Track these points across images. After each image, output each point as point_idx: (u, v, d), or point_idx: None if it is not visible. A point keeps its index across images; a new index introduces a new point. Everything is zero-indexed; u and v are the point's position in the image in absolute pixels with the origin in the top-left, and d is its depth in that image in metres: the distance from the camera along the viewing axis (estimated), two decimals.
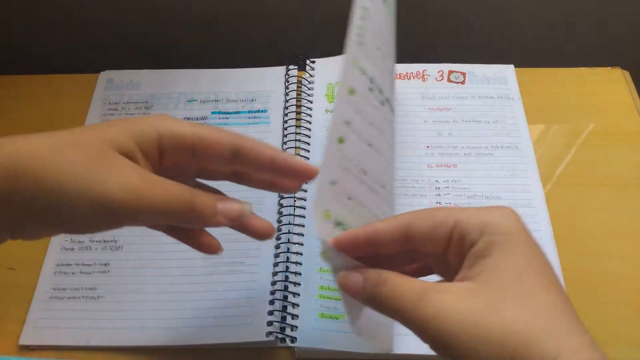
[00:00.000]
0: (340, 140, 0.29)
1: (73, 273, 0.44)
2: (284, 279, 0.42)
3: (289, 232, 0.45)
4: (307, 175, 0.30)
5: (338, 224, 0.28)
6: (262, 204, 0.47)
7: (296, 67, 0.56)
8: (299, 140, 0.51)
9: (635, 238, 0.46)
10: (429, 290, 0.23)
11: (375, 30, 0.34)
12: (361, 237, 0.26)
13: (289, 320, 0.41)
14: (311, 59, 0.56)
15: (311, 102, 0.53)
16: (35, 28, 0.63)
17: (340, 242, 0.26)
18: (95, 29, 0.63)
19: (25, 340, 0.41)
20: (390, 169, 0.35)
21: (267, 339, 0.40)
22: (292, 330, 0.40)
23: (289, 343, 0.40)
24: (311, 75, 0.55)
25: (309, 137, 0.51)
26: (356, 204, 0.29)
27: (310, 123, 0.52)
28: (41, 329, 0.41)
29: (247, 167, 0.29)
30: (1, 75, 0.59)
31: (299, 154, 0.50)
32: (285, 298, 0.42)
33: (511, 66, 0.55)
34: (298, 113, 0.53)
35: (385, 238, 0.26)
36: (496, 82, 0.54)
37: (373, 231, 0.26)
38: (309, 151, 0.50)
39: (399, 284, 0.24)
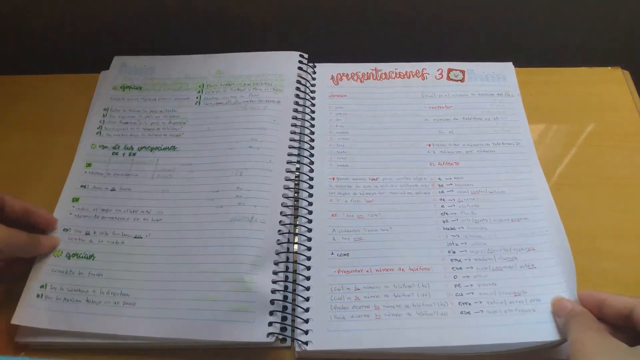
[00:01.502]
0: (75, 200, 0.47)
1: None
2: (284, 279, 0.42)
3: (289, 233, 0.45)
4: (51, 222, 0.46)
5: (72, 255, 0.44)
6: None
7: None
8: (305, 120, 0.52)
9: (636, 238, 0.46)
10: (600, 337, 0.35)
11: (128, 112, 0.53)
12: (595, 297, 0.38)
13: (288, 321, 0.41)
14: (313, 63, 0.57)
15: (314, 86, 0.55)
16: (35, 28, 0.63)
17: (582, 293, 0.39)
18: (95, 29, 0.64)
19: (25, 340, 0.41)
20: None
21: (267, 339, 0.40)
22: (292, 331, 0.40)
23: (289, 343, 0.40)
24: (313, 72, 0.56)
25: (314, 118, 0.53)
26: (98, 234, 0.45)
27: (313, 114, 0.53)
28: (40, 329, 0.41)
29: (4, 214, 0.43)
30: (1, 75, 0.59)
31: (308, 135, 0.51)
32: (285, 298, 0.42)
33: (510, 64, 0.56)
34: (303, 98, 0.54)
35: (612, 307, 0.37)
36: (495, 79, 0.54)
37: (604, 298, 0.38)
38: (314, 133, 0.51)
39: (588, 317, 0.37)
